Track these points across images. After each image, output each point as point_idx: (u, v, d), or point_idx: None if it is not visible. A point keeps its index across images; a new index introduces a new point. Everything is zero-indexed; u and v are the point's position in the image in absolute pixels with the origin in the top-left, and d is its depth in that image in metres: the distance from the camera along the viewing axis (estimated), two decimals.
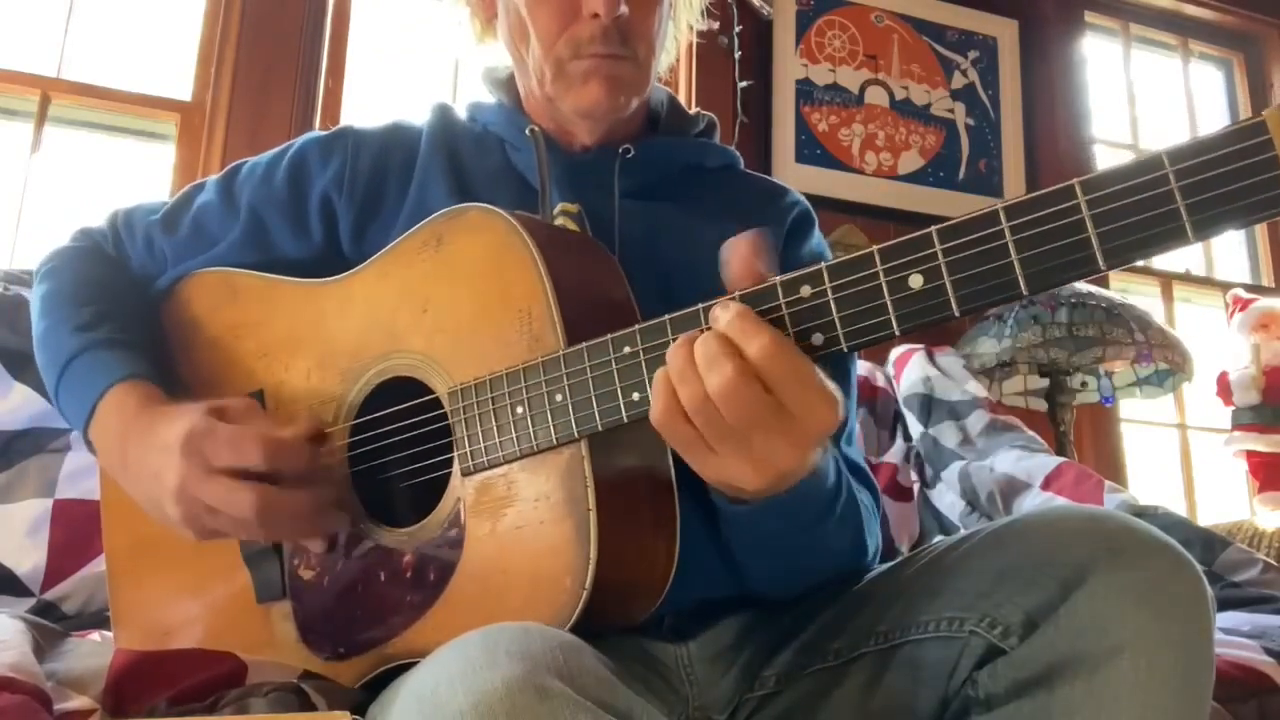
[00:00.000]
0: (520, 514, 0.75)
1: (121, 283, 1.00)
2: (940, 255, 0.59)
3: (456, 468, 0.79)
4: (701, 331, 0.65)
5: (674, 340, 0.66)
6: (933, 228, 0.59)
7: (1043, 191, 0.57)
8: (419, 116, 1.05)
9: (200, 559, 0.92)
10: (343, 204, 0.98)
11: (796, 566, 0.84)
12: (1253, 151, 0.51)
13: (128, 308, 0.97)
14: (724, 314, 0.64)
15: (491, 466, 0.76)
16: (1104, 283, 2.50)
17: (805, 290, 0.63)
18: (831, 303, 0.62)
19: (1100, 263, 0.56)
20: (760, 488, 0.67)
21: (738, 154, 1.07)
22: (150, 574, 0.97)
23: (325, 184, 0.98)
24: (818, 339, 0.63)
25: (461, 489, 0.78)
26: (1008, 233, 0.57)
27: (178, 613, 0.95)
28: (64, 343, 0.92)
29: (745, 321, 0.63)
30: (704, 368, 0.63)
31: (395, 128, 1.03)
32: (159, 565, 0.96)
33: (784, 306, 0.63)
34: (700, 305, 0.67)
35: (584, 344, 0.72)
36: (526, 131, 0.97)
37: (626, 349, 0.69)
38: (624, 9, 0.89)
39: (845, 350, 0.62)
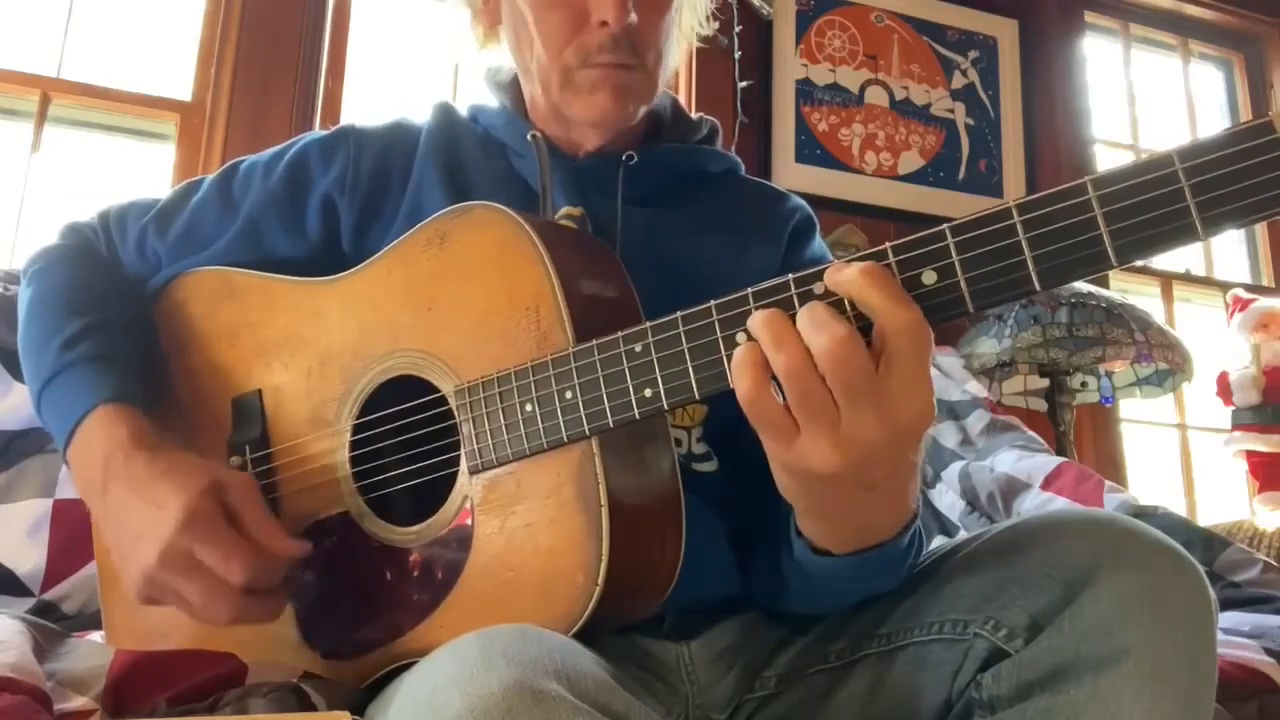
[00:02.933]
0: (530, 511, 0.74)
1: (111, 287, 0.98)
2: (953, 251, 0.59)
3: (464, 466, 0.78)
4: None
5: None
6: (945, 224, 0.60)
7: (1055, 189, 0.58)
8: (420, 116, 1.04)
9: None
10: (345, 204, 0.97)
11: (840, 604, 0.83)
12: (1260, 151, 0.52)
13: (116, 317, 0.94)
14: (847, 271, 0.61)
15: (500, 464, 0.76)
16: (1104, 283, 2.51)
17: (819, 287, 0.63)
18: (845, 300, 0.62)
19: (1112, 259, 0.56)
20: (838, 470, 0.63)
21: (739, 159, 1.07)
22: None
23: (328, 185, 0.98)
24: None
25: (469, 487, 0.78)
26: (1020, 229, 0.57)
27: (172, 615, 0.93)
28: (47, 357, 0.89)
29: (879, 280, 0.60)
30: (812, 329, 0.61)
31: (396, 127, 1.03)
32: None
33: (797, 302, 0.63)
34: (713, 303, 0.67)
35: (594, 341, 0.71)
36: (528, 137, 0.97)
37: (637, 346, 0.69)
38: (634, 17, 0.88)
39: None
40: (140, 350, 0.94)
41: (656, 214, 0.96)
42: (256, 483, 0.83)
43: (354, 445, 0.86)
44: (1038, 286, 0.58)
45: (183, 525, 0.76)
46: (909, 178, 2.69)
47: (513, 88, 1.03)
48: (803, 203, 1.06)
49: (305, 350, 0.90)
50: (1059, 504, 1.80)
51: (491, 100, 1.04)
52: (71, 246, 1.00)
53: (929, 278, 0.60)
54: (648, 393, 0.69)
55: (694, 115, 1.06)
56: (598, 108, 0.91)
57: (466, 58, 1.06)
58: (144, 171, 2.17)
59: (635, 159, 0.96)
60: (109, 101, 2.10)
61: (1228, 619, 1.36)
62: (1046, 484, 1.86)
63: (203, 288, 0.98)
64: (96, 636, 1.02)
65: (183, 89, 2.15)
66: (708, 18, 1.07)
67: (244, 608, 0.78)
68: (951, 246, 0.59)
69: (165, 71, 2.17)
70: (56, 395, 0.88)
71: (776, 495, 0.71)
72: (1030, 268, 0.57)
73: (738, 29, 2.55)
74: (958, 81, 2.82)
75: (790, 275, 0.64)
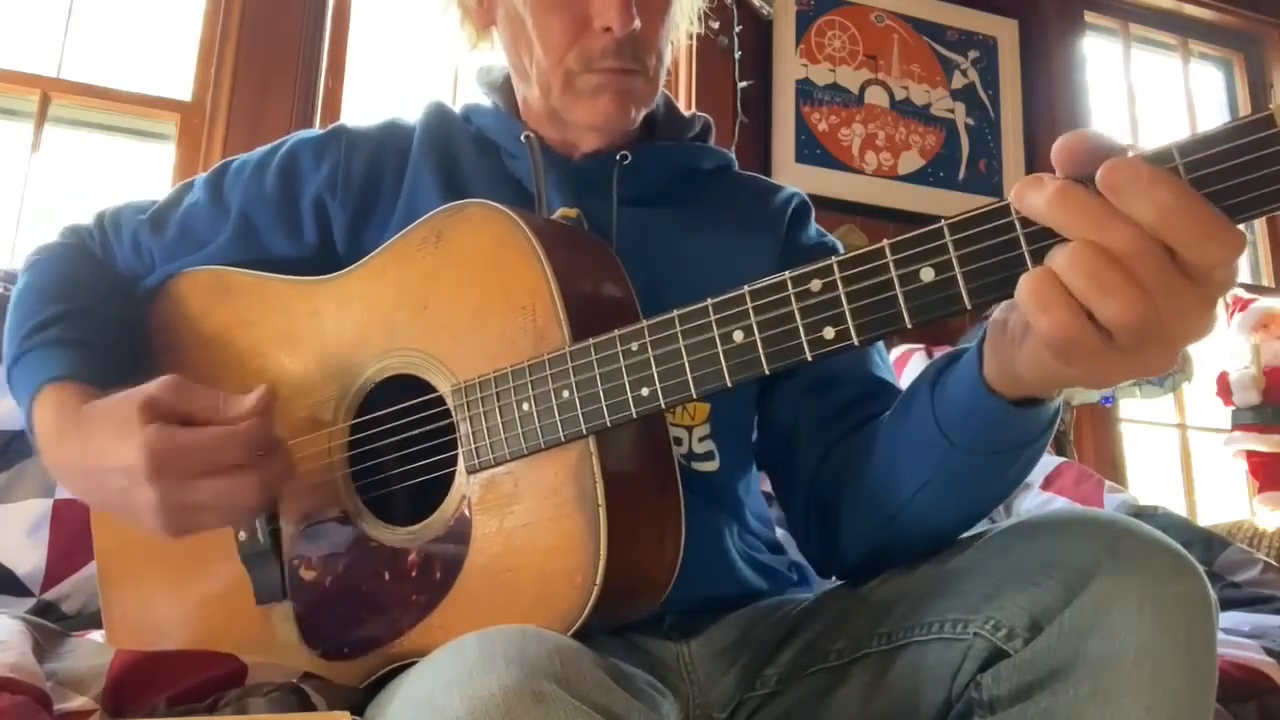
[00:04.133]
0: (528, 511, 0.74)
1: (97, 282, 0.98)
2: (951, 248, 0.59)
3: (461, 465, 0.78)
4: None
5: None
6: (943, 221, 0.59)
7: None
8: (413, 115, 1.04)
9: (194, 560, 0.92)
10: (336, 205, 0.97)
11: (975, 495, 0.78)
12: (1261, 145, 0.51)
13: (92, 307, 0.94)
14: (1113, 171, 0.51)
15: (498, 464, 0.76)
16: None
17: (815, 284, 0.63)
18: (843, 296, 0.62)
19: None
20: (1164, 367, 0.57)
21: (732, 155, 1.07)
22: (141, 574, 0.96)
23: (318, 185, 0.97)
24: (829, 333, 0.63)
25: (466, 487, 0.78)
26: (1019, 225, 0.57)
27: (170, 614, 0.94)
28: (13, 343, 0.90)
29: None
30: (1135, 192, 0.50)
31: (389, 126, 1.02)
32: (151, 566, 0.95)
33: (794, 300, 0.63)
34: (709, 301, 0.66)
35: (591, 340, 0.71)
36: (521, 138, 0.97)
37: (634, 345, 0.69)
38: (637, 23, 0.88)
39: (857, 344, 0.62)
40: (115, 341, 0.93)
41: (652, 213, 0.96)
42: (178, 376, 0.78)
43: (351, 445, 0.86)
44: None
45: (150, 462, 0.74)
46: (909, 178, 2.69)
47: (505, 88, 1.03)
48: (797, 190, 1.06)
49: (301, 350, 0.90)
50: (1059, 504, 1.80)
51: (485, 101, 1.04)
52: (67, 244, 1.01)
53: (927, 274, 0.60)
54: (645, 392, 0.69)
55: (686, 113, 1.06)
56: (600, 112, 0.91)
57: (463, 58, 1.06)
58: (144, 171, 2.17)
59: (629, 158, 0.96)
60: (109, 101, 2.10)
61: (1228, 619, 1.36)
62: (1046, 484, 1.86)
63: (198, 288, 0.98)
64: (96, 636, 1.02)
65: (183, 89, 2.15)
66: (698, 17, 1.07)
67: (263, 479, 0.76)
68: (949, 244, 0.59)
69: (165, 71, 2.17)
70: (15, 381, 0.89)
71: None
72: (1029, 264, 0.57)
73: (738, 29, 2.55)
74: (958, 81, 2.82)
75: (787, 273, 0.64)
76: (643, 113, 0.96)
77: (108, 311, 0.95)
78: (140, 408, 0.75)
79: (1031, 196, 0.53)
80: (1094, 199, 0.52)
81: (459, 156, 0.99)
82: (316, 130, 1.04)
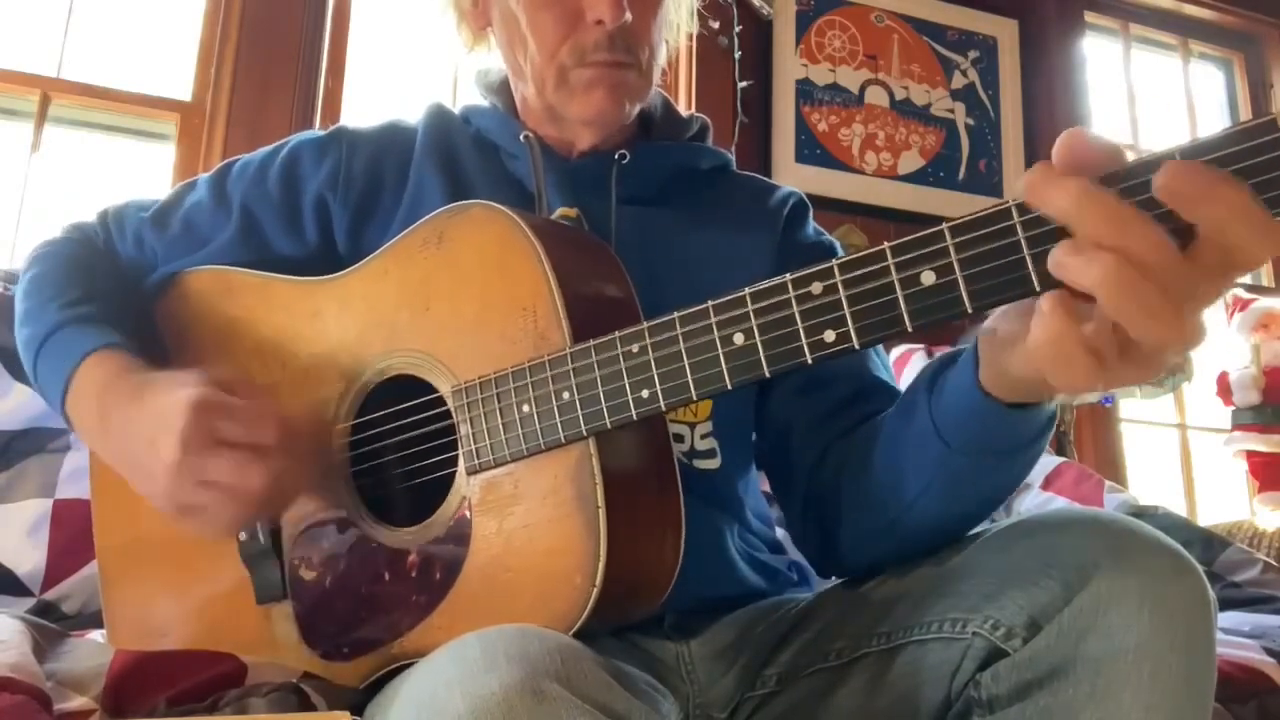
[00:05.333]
0: (528, 511, 0.74)
1: (108, 271, 0.99)
2: (952, 251, 0.59)
3: (461, 466, 0.78)
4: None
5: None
6: (944, 224, 0.59)
7: None
8: (414, 117, 1.05)
9: (194, 558, 0.92)
10: (338, 205, 0.97)
11: (974, 496, 0.78)
12: (1263, 150, 0.51)
13: (114, 294, 0.96)
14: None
15: (498, 465, 0.76)
16: None
17: (816, 287, 0.63)
18: (843, 299, 0.62)
19: None
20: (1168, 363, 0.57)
21: (730, 155, 1.07)
22: (143, 574, 0.97)
23: (319, 185, 0.98)
24: (830, 336, 0.63)
25: (466, 488, 0.78)
26: (1020, 229, 0.57)
27: (172, 613, 0.94)
28: (44, 319, 0.91)
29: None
30: (1202, 191, 0.49)
31: (390, 128, 1.03)
32: (152, 565, 0.95)
33: (794, 303, 0.63)
34: (710, 303, 0.66)
35: (591, 342, 0.71)
36: (520, 138, 0.97)
37: (634, 347, 0.69)
38: (629, 16, 0.89)
39: (857, 347, 0.62)
40: (135, 324, 0.94)
41: (651, 213, 0.96)
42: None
43: (352, 445, 0.86)
44: (1038, 287, 0.57)
45: (193, 409, 0.75)
46: (909, 178, 2.69)
47: (503, 89, 1.03)
48: (795, 189, 1.06)
49: (303, 349, 0.90)
50: (1059, 504, 1.80)
51: (484, 102, 1.04)
52: (72, 239, 1.02)
53: (928, 277, 0.60)
54: (645, 393, 0.69)
55: (685, 113, 1.06)
56: (594, 106, 0.92)
57: (462, 59, 1.06)
58: (144, 171, 2.17)
59: (628, 158, 0.96)
60: (109, 101, 2.10)
61: (1228, 619, 1.36)
62: (1046, 484, 1.86)
63: (201, 287, 0.99)
64: (96, 636, 1.02)
65: (183, 89, 2.15)
66: (695, 14, 1.08)
67: (273, 469, 0.77)
68: (950, 246, 0.59)
69: (165, 71, 2.17)
70: (49, 354, 0.89)
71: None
72: (1030, 268, 0.57)
73: (738, 29, 2.55)
74: (958, 81, 2.82)
75: (788, 276, 0.64)
76: (637, 107, 0.96)
77: (122, 298, 0.97)
78: (200, 372, 0.79)
79: (1054, 195, 0.52)
80: (1118, 201, 0.51)
81: (460, 157, 0.99)
82: (319, 131, 1.04)
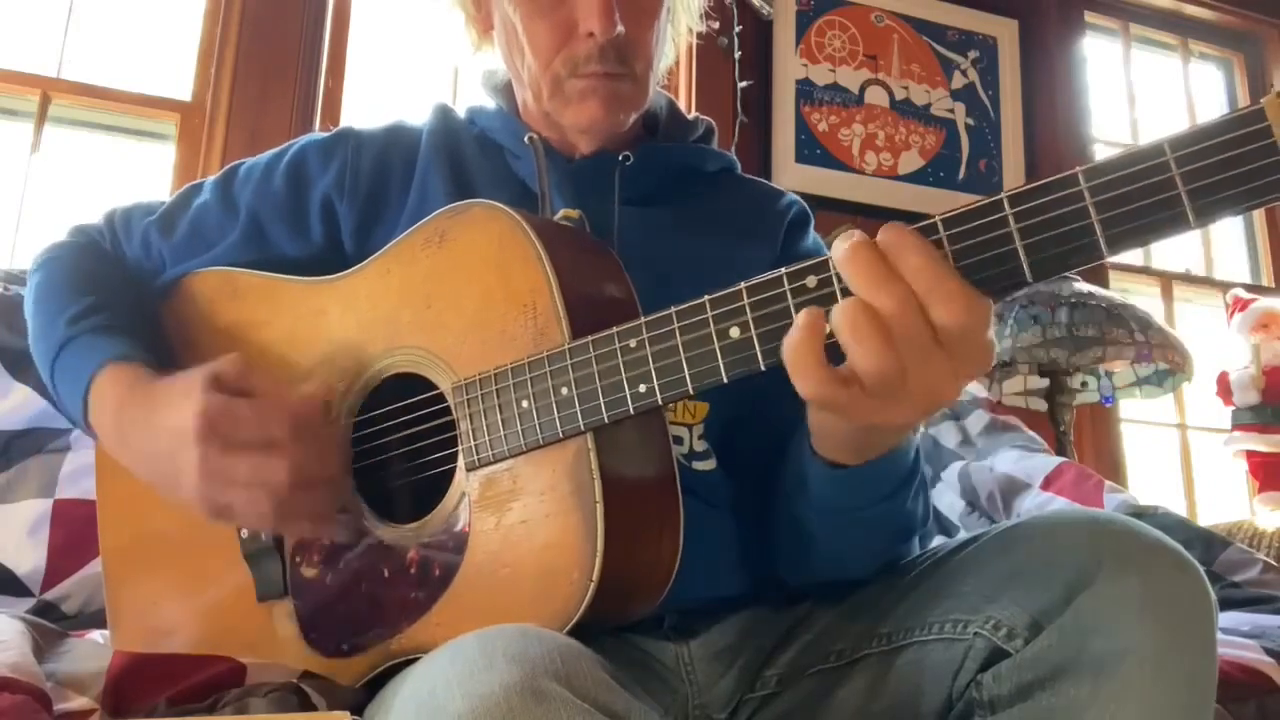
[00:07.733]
0: (526, 507, 0.74)
1: (117, 277, 0.99)
2: (945, 244, 0.59)
3: (461, 462, 0.78)
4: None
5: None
6: (936, 217, 0.60)
7: (1046, 180, 0.57)
8: (419, 117, 1.05)
9: (197, 558, 0.92)
10: (344, 206, 0.98)
11: (861, 545, 0.82)
12: (1253, 138, 0.52)
13: (123, 299, 0.96)
14: (888, 231, 0.61)
15: (496, 461, 0.76)
16: (1104, 283, 2.51)
17: (811, 280, 0.63)
18: (838, 293, 0.62)
19: (1103, 249, 0.56)
20: (911, 421, 0.65)
21: (735, 158, 1.07)
22: (147, 574, 0.97)
23: (326, 186, 0.98)
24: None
25: (466, 484, 0.78)
26: (1011, 220, 0.57)
27: (176, 613, 0.95)
28: (56, 333, 0.91)
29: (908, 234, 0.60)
30: (900, 251, 0.59)
31: (395, 128, 1.03)
32: (156, 565, 0.96)
33: (790, 296, 0.63)
34: (707, 298, 0.67)
35: (589, 338, 0.72)
36: (525, 139, 0.97)
37: (632, 342, 0.70)
38: (621, 28, 0.89)
39: None
40: (145, 328, 0.95)
41: (653, 214, 0.97)
42: (240, 355, 0.84)
43: (355, 442, 0.86)
44: (1030, 278, 0.58)
45: (202, 422, 0.78)
46: (909, 178, 2.69)
47: (508, 91, 1.04)
48: (797, 198, 1.07)
49: (307, 348, 0.90)
50: (1059, 504, 1.80)
51: (489, 103, 1.05)
52: (78, 242, 1.02)
53: None
54: (643, 389, 0.69)
55: (690, 115, 1.07)
56: (587, 116, 0.92)
57: (465, 59, 1.07)
58: (144, 171, 2.17)
59: (631, 159, 0.96)
60: (109, 101, 2.10)
61: (1228, 619, 1.36)
62: (1046, 484, 1.86)
63: (207, 288, 0.99)
64: (97, 636, 1.02)
65: (183, 89, 2.15)
66: (702, 15, 1.08)
67: (296, 460, 0.78)
68: (944, 239, 0.59)
69: (165, 71, 2.17)
70: (64, 368, 0.90)
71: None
72: (1022, 258, 0.57)
73: (738, 29, 2.56)
74: (958, 81, 2.82)
75: (784, 269, 0.64)
76: (632, 116, 0.96)
77: (131, 302, 0.97)
78: (204, 377, 0.80)
79: (835, 246, 0.61)
80: (878, 259, 0.59)
81: (465, 158, 1.00)
82: (324, 133, 1.04)
